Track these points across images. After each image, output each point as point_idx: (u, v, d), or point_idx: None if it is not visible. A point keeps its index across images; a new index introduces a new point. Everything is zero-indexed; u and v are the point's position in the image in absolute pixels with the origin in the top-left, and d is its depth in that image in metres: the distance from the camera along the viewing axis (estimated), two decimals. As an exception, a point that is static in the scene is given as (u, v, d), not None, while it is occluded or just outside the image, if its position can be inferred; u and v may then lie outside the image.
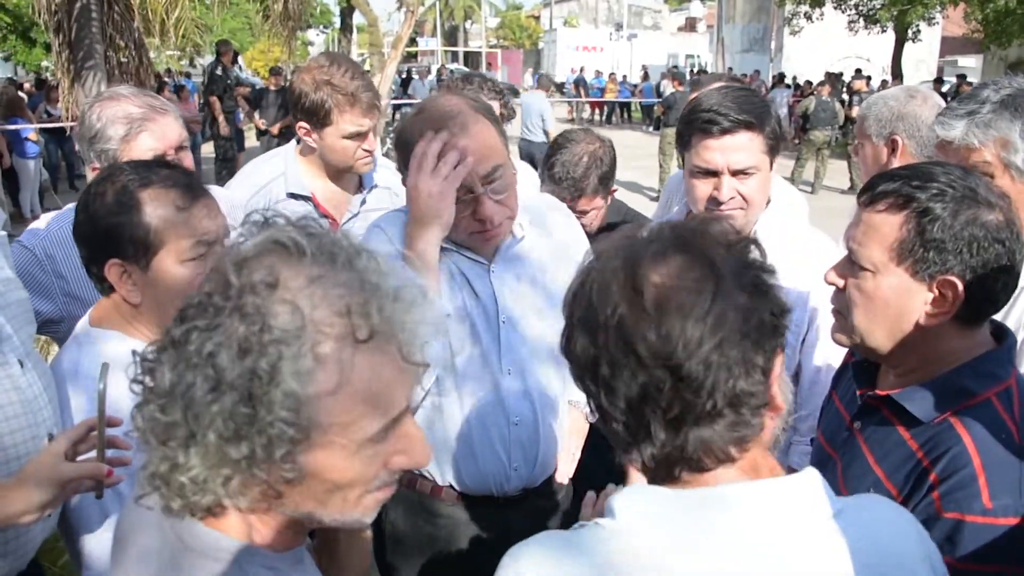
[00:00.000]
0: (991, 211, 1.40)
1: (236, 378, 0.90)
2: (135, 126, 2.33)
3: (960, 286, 1.40)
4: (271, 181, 2.84)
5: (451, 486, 2.21)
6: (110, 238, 1.68)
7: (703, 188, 2.21)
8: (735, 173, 2.16)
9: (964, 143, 1.97)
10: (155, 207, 1.68)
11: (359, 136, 2.73)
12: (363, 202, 2.94)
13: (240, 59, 34.69)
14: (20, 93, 15.55)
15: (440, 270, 2.05)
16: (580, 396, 2.40)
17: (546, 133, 11.82)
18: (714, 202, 2.18)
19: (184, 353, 0.92)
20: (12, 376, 1.64)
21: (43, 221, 2.48)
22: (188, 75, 24.10)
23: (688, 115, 2.23)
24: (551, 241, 2.20)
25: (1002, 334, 1.51)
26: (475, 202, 1.93)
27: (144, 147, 2.33)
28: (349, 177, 2.92)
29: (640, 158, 17.47)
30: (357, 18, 27.56)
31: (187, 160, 2.42)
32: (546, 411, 2.20)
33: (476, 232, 1.99)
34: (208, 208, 1.75)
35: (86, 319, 1.81)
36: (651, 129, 25.07)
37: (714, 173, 2.18)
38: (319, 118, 2.70)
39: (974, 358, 1.45)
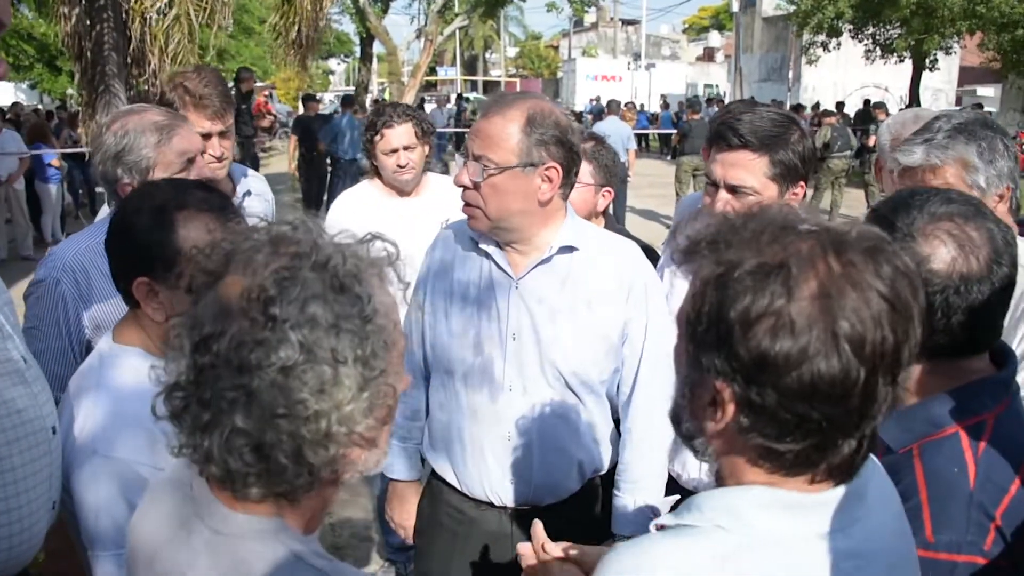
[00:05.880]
0: (908, 240, 1.39)
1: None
2: (166, 132, 2.38)
3: None
4: None
5: (456, 485, 2.30)
6: (141, 256, 1.70)
7: (708, 198, 2.30)
8: (730, 189, 2.23)
9: (927, 163, 2.01)
10: (188, 230, 1.70)
11: (204, 137, 2.87)
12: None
13: (274, 93, 35.13)
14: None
15: (469, 270, 2.21)
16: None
17: (626, 152, 12.35)
18: None
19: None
20: (19, 371, 1.68)
21: (59, 247, 2.47)
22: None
23: (713, 126, 2.35)
24: (602, 277, 2.19)
25: (1004, 362, 1.47)
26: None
27: (177, 150, 2.39)
28: (221, 187, 3.10)
29: (657, 186, 17.53)
30: (377, 47, 27.90)
31: (207, 167, 2.52)
32: (547, 434, 2.20)
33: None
34: None
35: (110, 334, 1.84)
36: (669, 158, 25.11)
37: (717, 185, 2.26)
38: None
39: (951, 390, 1.43)
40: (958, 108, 23.95)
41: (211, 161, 2.94)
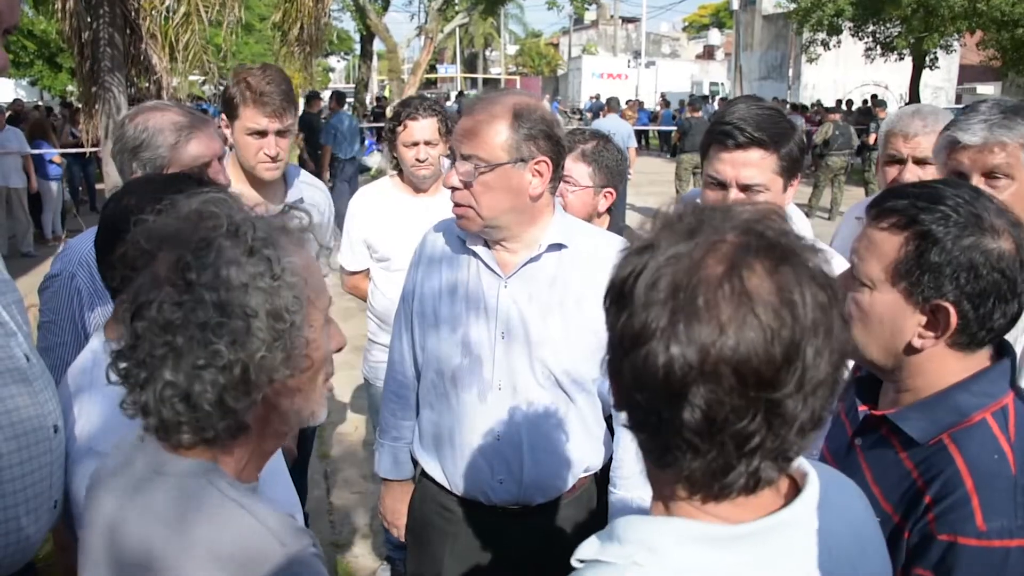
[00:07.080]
0: (995, 239, 1.37)
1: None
2: (184, 133, 2.37)
3: (953, 312, 1.38)
4: None
5: (445, 484, 2.28)
6: None
7: (712, 199, 2.24)
8: (743, 188, 2.18)
9: (995, 140, 1.99)
10: None
11: (260, 135, 2.84)
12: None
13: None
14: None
15: (457, 270, 2.18)
16: None
17: (627, 149, 12.17)
18: None
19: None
20: (20, 369, 1.68)
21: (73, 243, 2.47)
22: (210, 100, 24.35)
23: (711, 125, 2.30)
24: (592, 275, 2.15)
25: (1003, 350, 1.48)
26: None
27: (193, 154, 2.37)
28: (273, 189, 3.00)
29: (657, 183, 17.52)
30: (377, 45, 27.88)
31: (223, 173, 2.48)
32: (538, 433, 2.19)
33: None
34: None
35: (101, 331, 1.82)
36: (669, 156, 25.09)
37: (724, 185, 2.21)
38: (230, 110, 2.89)
39: (968, 377, 1.43)
40: (959, 106, 23.91)
41: (264, 160, 2.89)
